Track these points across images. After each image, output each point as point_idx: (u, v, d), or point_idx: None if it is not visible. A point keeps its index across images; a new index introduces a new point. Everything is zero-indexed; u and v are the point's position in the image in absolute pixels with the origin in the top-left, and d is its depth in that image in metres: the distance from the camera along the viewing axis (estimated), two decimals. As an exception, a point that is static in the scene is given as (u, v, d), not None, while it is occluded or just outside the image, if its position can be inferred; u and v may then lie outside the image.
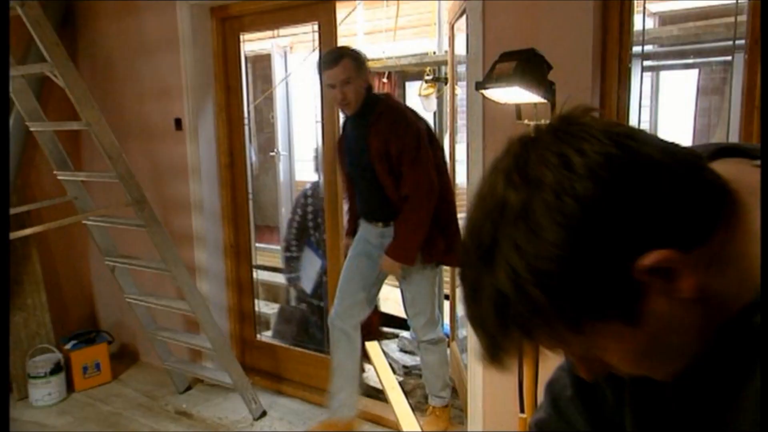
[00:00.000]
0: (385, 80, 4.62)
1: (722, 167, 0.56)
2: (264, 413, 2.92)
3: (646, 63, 3.56)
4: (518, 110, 1.83)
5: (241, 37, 3.12)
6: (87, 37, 3.46)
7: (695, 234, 0.51)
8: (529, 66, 1.63)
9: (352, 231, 2.73)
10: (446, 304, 3.35)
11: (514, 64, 1.63)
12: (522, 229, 0.49)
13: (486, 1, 2.16)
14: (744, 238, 0.53)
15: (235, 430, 2.83)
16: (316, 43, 2.85)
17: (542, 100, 1.66)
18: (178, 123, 3.14)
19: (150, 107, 3.25)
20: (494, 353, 0.55)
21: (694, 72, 4.06)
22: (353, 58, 2.40)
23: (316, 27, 2.84)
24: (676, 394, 0.61)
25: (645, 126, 3.38)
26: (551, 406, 0.85)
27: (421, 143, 2.41)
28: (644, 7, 2.10)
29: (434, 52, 3.94)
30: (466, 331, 2.56)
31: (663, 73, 4.23)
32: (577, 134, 0.51)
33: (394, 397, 1.43)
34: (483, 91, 1.74)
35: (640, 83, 2.14)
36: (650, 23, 3.67)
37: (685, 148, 0.55)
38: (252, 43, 4.60)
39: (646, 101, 3.73)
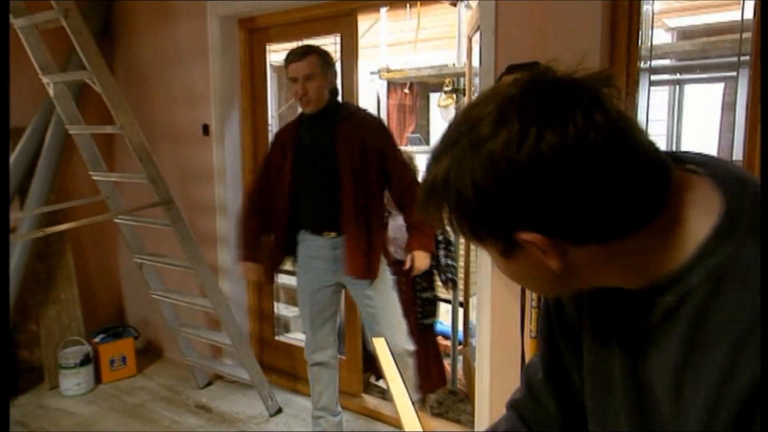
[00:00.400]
0: (407, 91, 4.72)
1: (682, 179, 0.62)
2: (279, 410, 3.02)
3: (665, 77, 3.59)
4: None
5: (267, 47, 3.26)
6: (124, 47, 3.65)
7: (591, 237, 0.59)
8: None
9: (284, 249, 2.51)
10: (461, 311, 3.41)
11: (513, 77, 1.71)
12: (473, 152, 0.58)
13: (498, 17, 2.25)
14: (666, 246, 0.60)
15: (251, 425, 2.94)
16: (339, 54, 2.97)
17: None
18: (206, 129, 3.29)
19: (179, 113, 3.42)
20: (422, 209, 0.65)
21: (720, 86, 4.07)
22: (320, 55, 2.30)
23: (338, 39, 2.96)
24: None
25: (662, 140, 3.40)
26: (525, 387, 0.93)
27: (400, 149, 2.43)
28: (652, 22, 2.16)
29: (453, 64, 4.04)
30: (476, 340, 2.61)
31: (688, 88, 4.24)
32: (559, 114, 0.55)
33: (395, 388, 1.50)
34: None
35: (647, 97, 2.19)
36: (668, 38, 3.70)
37: (656, 164, 0.59)
38: (279, 54, 4.77)
39: (662, 115, 3.74)
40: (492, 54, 2.28)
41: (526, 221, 0.58)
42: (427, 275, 3.04)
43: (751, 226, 0.57)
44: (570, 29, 2.12)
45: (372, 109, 5.09)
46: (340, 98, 2.52)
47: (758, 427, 0.51)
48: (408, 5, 4.00)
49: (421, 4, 3.74)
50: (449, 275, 3.12)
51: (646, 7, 2.32)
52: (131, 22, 3.57)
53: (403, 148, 5.51)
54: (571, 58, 2.03)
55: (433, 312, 3.17)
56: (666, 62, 3.46)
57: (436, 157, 0.62)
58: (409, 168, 2.45)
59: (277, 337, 3.52)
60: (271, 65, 3.37)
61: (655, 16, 3.02)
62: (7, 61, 2.46)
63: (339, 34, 2.95)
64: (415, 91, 4.73)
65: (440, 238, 3.10)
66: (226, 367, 3.29)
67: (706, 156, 0.67)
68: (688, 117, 4.10)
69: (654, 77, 3.61)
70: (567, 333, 0.81)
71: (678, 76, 3.70)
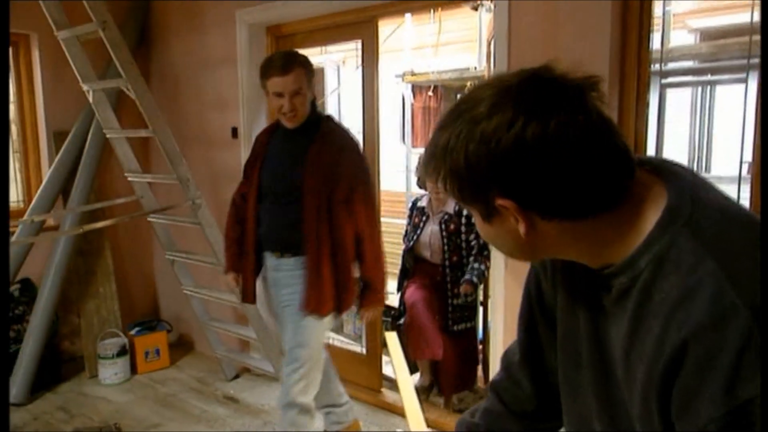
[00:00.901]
0: (431, 93, 4.80)
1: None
2: (303, 402, 3.14)
3: (687, 78, 3.57)
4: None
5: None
6: (159, 54, 3.83)
7: (557, 213, 0.68)
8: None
9: (257, 268, 2.37)
10: (480, 310, 3.47)
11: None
12: (469, 128, 0.67)
13: (511, 22, 2.32)
14: (604, 229, 0.70)
15: (275, 416, 3.06)
16: (360, 59, 3.07)
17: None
18: (234, 132, 3.44)
19: (210, 117, 3.58)
20: (423, 170, 0.77)
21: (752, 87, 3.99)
22: (306, 67, 2.15)
23: (359, 44, 3.06)
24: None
25: (684, 141, 3.38)
26: (504, 369, 1.02)
27: (371, 179, 2.32)
28: (663, 24, 2.18)
29: (475, 68, 4.10)
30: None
31: (719, 89, 4.18)
32: (545, 109, 0.64)
33: (402, 378, 1.60)
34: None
35: (659, 99, 2.22)
36: (691, 39, 3.67)
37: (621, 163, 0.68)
38: (330, 56, 4.90)
39: (685, 117, 3.71)
40: (505, 57, 2.34)
41: (504, 190, 0.67)
42: (458, 282, 3.10)
43: (686, 221, 0.65)
44: (581, 33, 2.17)
45: (398, 111, 5.23)
46: (348, 105, 2.52)
47: (678, 388, 0.60)
48: (432, 10, 4.07)
49: (443, 9, 3.81)
50: (474, 279, 3.07)
51: (666, 9, 2.34)
52: (166, 31, 3.75)
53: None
54: (580, 61, 2.08)
55: (467, 317, 3.19)
56: (688, 64, 3.43)
57: (441, 127, 0.71)
58: (371, 207, 2.27)
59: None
60: None
61: (677, 17, 3.01)
62: (6, 61, 2.52)
63: (360, 40, 3.05)
64: (439, 93, 4.81)
65: (473, 243, 3.13)
66: (252, 360, 3.43)
67: (662, 160, 0.76)
68: (717, 118, 4.06)
69: (675, 79, 3.60)
70: (546, 315, 0.90)
71: (701, 78, 3.67)
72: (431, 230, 3.21)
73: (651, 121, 2.24)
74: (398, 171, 5.06)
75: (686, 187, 0.69)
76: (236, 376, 3.51)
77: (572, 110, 0.65)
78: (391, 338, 1.97)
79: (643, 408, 0.67)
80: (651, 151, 2.26)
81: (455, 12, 4.01)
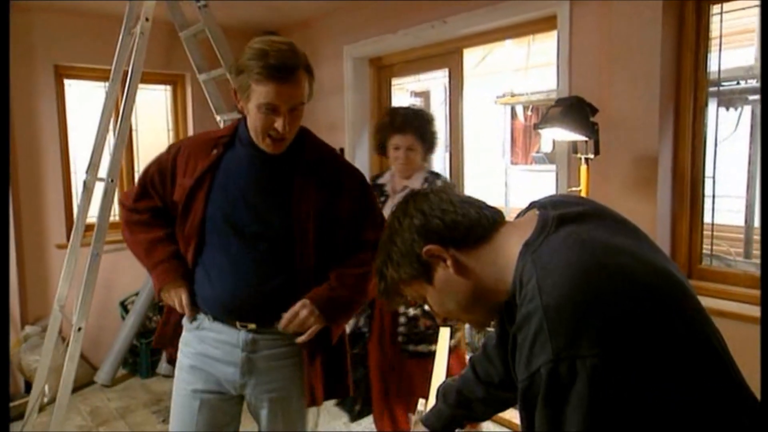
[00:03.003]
0: (529, 113, 4.95)
1: (526, 215, 0.99)
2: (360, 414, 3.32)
3: (747, 97, 3.41)
4: (574, 146, 2.16)
5: (392, 81, 3.80)
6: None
7: (463, 241, 0.95)
8: (570, 111, 1.98)
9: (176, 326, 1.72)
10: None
11: (559, 108, 2.00)
12: (390, 232, 1.00)
13: (572, 49, 2.51)
14: (498, 255, 0.95)
15: (336, 425, 3.40)
16: (448, 86, 3.40)
17: (584, 138, 1.99)
18: (341, 152, 3.92)
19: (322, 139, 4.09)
20: (380, 281, 1.04)
21: None
22: (309, 71, 1.52)
23: (447, 73, 3.39)
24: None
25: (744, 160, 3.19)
26: (482, 349, 1.29)
27: (383, 219, 1.69)
28: (720, 45, 2.25)
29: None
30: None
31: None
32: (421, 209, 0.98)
33: (438, 368, 1.89)
34: (540, 131, 2.12)
35: (716, 120, 2.28)
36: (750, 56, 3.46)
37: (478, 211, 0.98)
38: (419, 83, 5.31)
39: (744, 136, 3.50)
40: (567, 80, 2.54)
41: (424, 240, 0.96)
42: None
43: (533, 250, 0.87)
44: (634, 58, 2.30)
45: (497, 131, 5.40)
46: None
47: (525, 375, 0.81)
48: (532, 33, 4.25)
49: (536, 32, 3.98)
50: None
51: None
52: (288, 64, 4.36)
53: (528, 166, 5.67)
54: (634, 87, 2.28)
55: (430, 335, 2.38)
56: (751, 83, 3.28)
57: (377, 262, 1.04)
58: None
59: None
60: (413, 92, 3.80)
61: (734, 36, 2.92)
62: (7, 62, 2.66)
63: (447, 69, 3.37)
64: (540, 112, 4.94)
65: None
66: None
67: (557, 197, 1.01)
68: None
69: (733, 97, 3.45)
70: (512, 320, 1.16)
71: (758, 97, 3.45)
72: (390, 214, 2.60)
73: (709, 140, 2.30)
74: (498, 185, 5.23)
75: (548, 222, 0.91)
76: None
77: (436, 191, 1.02)
78: (444, 332, 2.26)
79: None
80: (709, 170, 2.31)
81: (551, 33, 4.16)
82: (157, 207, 1.67)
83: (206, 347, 1.60)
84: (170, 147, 1.67)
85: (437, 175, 2.46)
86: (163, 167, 1.63)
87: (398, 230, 0.98)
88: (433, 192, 1.01)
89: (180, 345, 1.67)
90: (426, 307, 2.30)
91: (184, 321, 1.66)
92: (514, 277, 0.89)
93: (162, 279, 1.60)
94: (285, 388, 1.62)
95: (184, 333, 1.67)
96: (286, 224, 1.53)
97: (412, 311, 2.37)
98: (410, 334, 2.37)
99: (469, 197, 1.02)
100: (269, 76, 1.40)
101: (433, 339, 2.27)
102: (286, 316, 1.51)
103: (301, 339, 1.54)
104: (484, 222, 0.96)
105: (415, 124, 2.39)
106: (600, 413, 0.74)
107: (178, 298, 1.59)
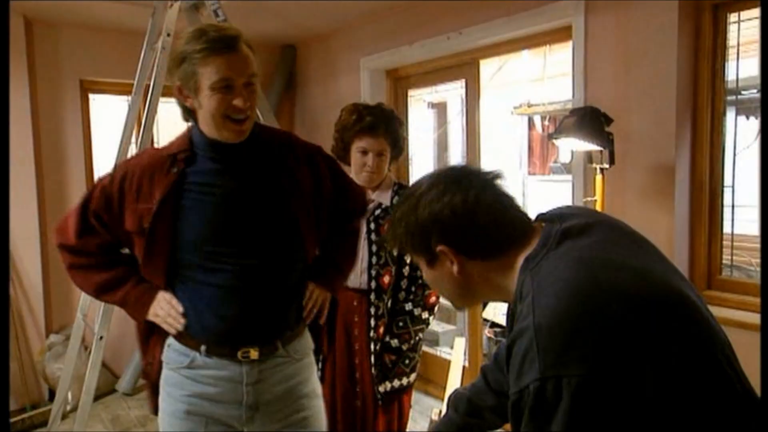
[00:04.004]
0: (546, 122, 4.94)
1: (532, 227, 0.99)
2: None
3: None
4: (589, 156, 2.16)
5: (409, 92, 3.83)
6: (300, 97, 4.52)
7: (477, 254, 0.96)
8: (584, 121, 1.98)
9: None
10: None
11: (573, 118, 2.00)
12: (416, 200, 0.97)
13: (587, 60, 2.51)
14: (505, 269, 0.96)
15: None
16: (465, 96, 3.41)
17: (599, 148, 1.99)
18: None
19: (339, 150, 4.14)
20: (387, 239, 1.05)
21: None
22: (250, 47, 1.36)
23: (464, 83, 3.40)
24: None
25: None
26: (493, 358, 1.31)
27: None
28: (738, 55, 2.23)
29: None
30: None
31: None
32: (466, 185, 0.96)
33: (453, 375, 1.90)
34: (554, 141, 2.12)
35: (734, 129, 2.26)
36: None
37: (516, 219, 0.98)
38: (436, 94, 5.34)
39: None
40: (582, 91, 2.54)
41: (441, 238, 0.97)
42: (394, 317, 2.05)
43: (533, 266, 0.89)
44: (651, 68, 2.30)
45: (514, 142, 5.37)
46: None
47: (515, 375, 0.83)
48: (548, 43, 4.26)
49: (552, 42, 3.99)
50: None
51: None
52: (306, 77, 4.43)
53: (546, 176, 5.62)
54: (650, 96, 2.27)
55: (399, 371, 2.05)
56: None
57: (396, 206, 1.04)
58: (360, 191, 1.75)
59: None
60: (431, 102, 3.80)
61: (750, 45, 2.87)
62: (7, 62, 2.68)
63: (464, 80, 3.39)
64: (557, 122, 4.94)
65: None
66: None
67: (563, 209, 1.03)
68: None
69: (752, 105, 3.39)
70: None
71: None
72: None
73: (728, 149, 2.28)
74: (515, 195, 5.20)
75: (550, 237, 0.92)
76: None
77: (483, 187, 0.96)
78: (459, 343, 2.27)
79: None
80: (728, 179, 2.28)
81: (567, 44, 4.16)
82: (105, 243, 1.44)
83: (203, 387, 1.40)
84: (113, 171, 1.45)
85: (404, 189, 2.00)
86: (109, 196, 1.41)
87: (427, 207, 0.96)
88: (482, 187, 0.96)
89: (165, 387, 1.44)
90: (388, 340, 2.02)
91: (168, 358, 1.44)
92: (516, 290, 0.92)
93: (141, 301, 1.43)
94: (298, 410, 1.49)
95: (169, 373, 1.44)
96: (290, 222, 1.43)
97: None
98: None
99: (508, 206, 0.98)
100: (214, 50, 1.29)
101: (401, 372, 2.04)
102: (308, 308, 1.49)
103: (322, 318, 1.54)
104: (504, 246, 0.96)
105: (387, 126, 2.00)
106: (583, 430, 0.75)
107: (167, 306, 1.40)
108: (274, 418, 1.46)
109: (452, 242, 0.95)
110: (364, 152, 1.99)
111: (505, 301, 1.01)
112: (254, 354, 1.40)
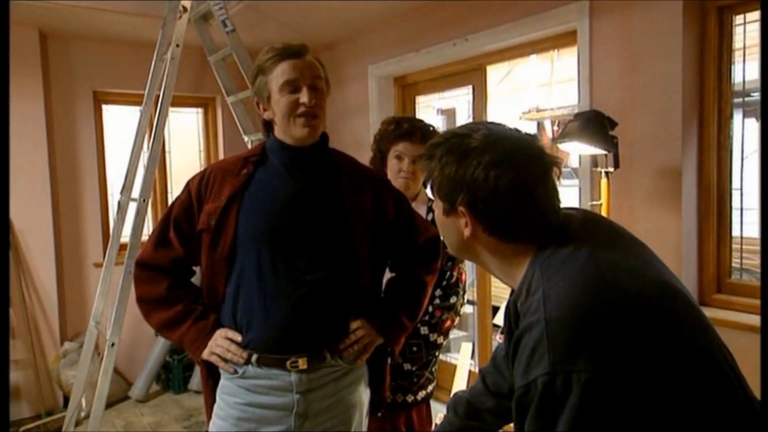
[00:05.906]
0: (556, 127, 4.93)
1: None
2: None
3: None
4: (595, 160, 2.15)
5: (416, 99, 3.85)
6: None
7: (495, 233, 0.94)
8: (588, 124, 1.98)
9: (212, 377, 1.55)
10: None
11: (577, 123, 2.00)
12: (464, 151, 0.93)
13: (592, 65, 2.51)
14: (513, 255, 0.96)
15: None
16: (471, 102, 3.42)
17: (603, 152, 1.99)
18: (367, 169, 3.97)
19: (348, 157, 4.16)
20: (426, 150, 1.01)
21: None
22: (319, 62, 1.50)
23: (471, 89, 3.41)
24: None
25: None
26: (492, 360, 1.31)
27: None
28: (744, 57, 2.22)
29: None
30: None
31: None
32: (520, 167, 0.91)
33: (459, 379, 1.90)
34: (558, 145, 2.12)
35: (742, 131, 2.24)
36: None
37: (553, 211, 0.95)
38: (444, 100, 5.35)
39: None
40: (588, 96, 2.54)
41: (468, 203, 0.94)
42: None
43: (543, 260, 0.90)
44: (656, 71, 2.29)
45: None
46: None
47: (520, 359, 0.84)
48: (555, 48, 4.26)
49: (560, 47, 3.99)
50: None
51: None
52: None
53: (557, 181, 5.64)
54: (655, 98, 2.27)
55: (410, 385, 1.96)
56: None
57: (445, 140, 0.97)
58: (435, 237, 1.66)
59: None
60: (440, 109, 3.83)
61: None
62: (7, 62, 2.69)
63: (471, 85, 3.40)
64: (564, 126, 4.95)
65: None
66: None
67: (570, 209, 1.02)
68: None
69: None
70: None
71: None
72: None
73: (736, 151, 2.26)
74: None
75: (560, 233, 0.93)
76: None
77: (537, 178, 0.92)
78: (465, 349, 2.27)
79: None
80: (736, 182, 2.26)
81: (574, 48, 4.17)
82: (179, 258, 1.50)
83: (255, 396, 1.44)
84: (195, 176, 1.54)
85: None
86: (188, 199, 1.50)
87: (472, 168, 0.91)
88: (537, 176, 0.92)
89: (221, 395, 1.49)
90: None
91: (223, 369, 1.47)
92: (522, 282, 0.92)
93: (197, 344, 1.45)
94: (344, 421, 1.50)
95: (225, 382, 1.48)
96: (345, 233, 1.44)
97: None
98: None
99: (546, 201, 0.94)
100: (280, 57, 1.42)
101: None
102: (346, 342, 1.45)
103: (361, 359, 1.49)
104: (525, 237, 0.93)
105: (424, 133, 1.96)
106: (590, 426, 0.75)
107: (226, 342, 1.42)
108: (322, 428, 1.47)
109: (477, 212, 0.93)
110: (400, 157, 1.96)
111: (498, 278, 1.01)
112: (302, 364, 1.41)
